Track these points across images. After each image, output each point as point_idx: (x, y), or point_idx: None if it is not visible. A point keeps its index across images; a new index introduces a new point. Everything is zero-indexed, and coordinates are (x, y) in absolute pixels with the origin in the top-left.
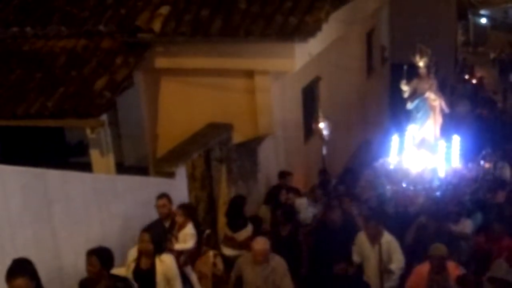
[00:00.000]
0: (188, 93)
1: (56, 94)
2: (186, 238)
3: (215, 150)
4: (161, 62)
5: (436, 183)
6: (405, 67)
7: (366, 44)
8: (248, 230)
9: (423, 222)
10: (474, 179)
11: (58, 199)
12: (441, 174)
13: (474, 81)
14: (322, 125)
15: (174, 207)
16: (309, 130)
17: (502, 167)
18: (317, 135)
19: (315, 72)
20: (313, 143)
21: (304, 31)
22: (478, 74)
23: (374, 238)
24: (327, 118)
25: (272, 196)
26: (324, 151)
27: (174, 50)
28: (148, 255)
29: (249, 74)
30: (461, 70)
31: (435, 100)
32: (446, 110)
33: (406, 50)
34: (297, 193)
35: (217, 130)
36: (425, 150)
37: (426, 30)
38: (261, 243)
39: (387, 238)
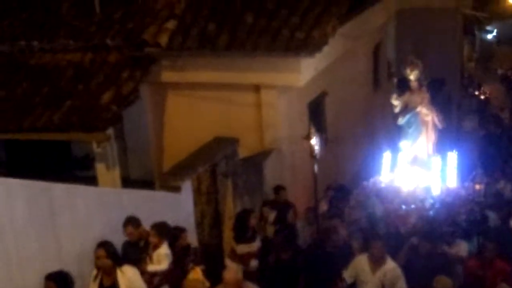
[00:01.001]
0: (194, 107)
1: (63, 107)
2: (160, 258)
3: (221, 165)
4: (167, 76)
5: (429, 202)
6: (395, 79)
7: (373, 59)
8: (253, 246)
9: (415, 244)
10: (470, 199)
11: (63, 212)
12: (435, 192)
13: (482, 97)
14: (313, 141)
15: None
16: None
17: (503, 187)
18: (309, 153)
19: (321, 87)
20: (320, 157)
21: (310, 46)
22: (486, 90)
23: (377, 262)
24: (318, 134)
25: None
26: (316, 169)
27: (181, 64)
28: (107, 271)
29: (256, 88)
30: (467, 85)
31: (427, 115)
32: (440, 125)
33: None
34: (284, 208)
35: (223, 144)
36: (418, 167)
37: (432, 45)
38: (232, 272)
39: (391, 265)
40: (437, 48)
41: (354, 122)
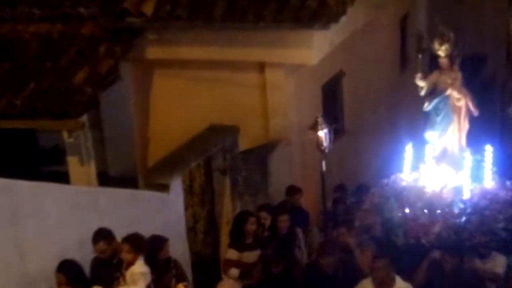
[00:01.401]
0: (185, 89)
1: (27, 89)
2: (135, 278)
3: (218, 159)
4: (153, 51)
5: (459, 206)
6: (419, 55)
7: (400, 32)
8: (256, 254)
9: (437, 258)
10: (511, 202)
11: (28, 215)
12: (466, 194)
13: None
14: (321, 133)
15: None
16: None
17: None
18: (316, 146)
19: (338, 65)
20: (335, 150)
21: (325, 16)
22: None
23: (383, 285)
24: (327, 125)
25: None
26: (324, 166)
27: (169, 38)
28: None
29: (259, 67)
30: None
31: (459, 99)
32: (475, 112)
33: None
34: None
35: (220, 134)
36: (446, 164)
37: (471, 16)
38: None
39: (402, 286)
40: (477, 19)
41: (377, 108)
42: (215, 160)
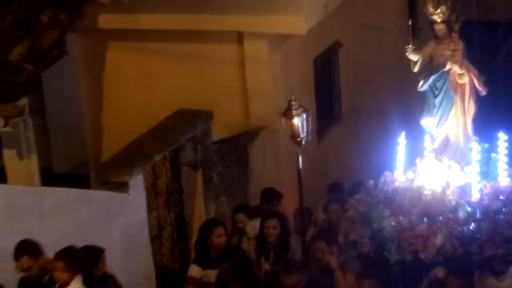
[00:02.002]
0: (147, 67)
1: None
2: None
3: (187, 151)
4: (107, 20)
5: (465, 211)
6: (410, 21)
7: None
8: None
9: (439, 277)
10: None
11: None
12: (475, 195)
13: None
14: (297, 120)
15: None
16: (325, 120)
17: None
18: (290, 136)
19: (333, 35)
20: (331, 140)
21: None
22: None
23: None
24: (303, 109)
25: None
26: (300, 163)
27: (127, 3)
28: None
29: (237, 38)
30: None
31: (462, 75)
32: (483, 91)
33: (470, 1)
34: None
35: (190, 121)
36: (448, 159)
37: None
38: None
39: None
40: None
41: (381, 87)
42: (183, 152)
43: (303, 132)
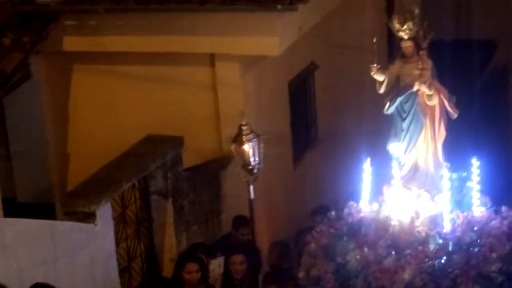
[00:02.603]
0: (115, 91)
1: None
2: None
3: (157, 178)
4: (72, 42)
5: (436, 242)
6: (375, 39)
7: (386, 11)
8: None
9: None
10: (508, 234)
11: None
12: (446, 226)
13: None
14: (247, 146)
15: None
16: (300, 144)
17: None
18: (241, 166)
19: (309, 56)
20: (307, 164)
21: None
22: None
23: None
24: (255, 134)
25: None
26: (252, 193)
27: (93, 25)
28: None
29: (208, 61)
30: None
31: (431, 96)
32: (454, 113)
33: (447, 19)
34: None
35: (160, 147)
36: (417, 187)
37: None
38: None
39: None
40: None
41: (360, 109)
42: (153, 180)
43: (254, 159)
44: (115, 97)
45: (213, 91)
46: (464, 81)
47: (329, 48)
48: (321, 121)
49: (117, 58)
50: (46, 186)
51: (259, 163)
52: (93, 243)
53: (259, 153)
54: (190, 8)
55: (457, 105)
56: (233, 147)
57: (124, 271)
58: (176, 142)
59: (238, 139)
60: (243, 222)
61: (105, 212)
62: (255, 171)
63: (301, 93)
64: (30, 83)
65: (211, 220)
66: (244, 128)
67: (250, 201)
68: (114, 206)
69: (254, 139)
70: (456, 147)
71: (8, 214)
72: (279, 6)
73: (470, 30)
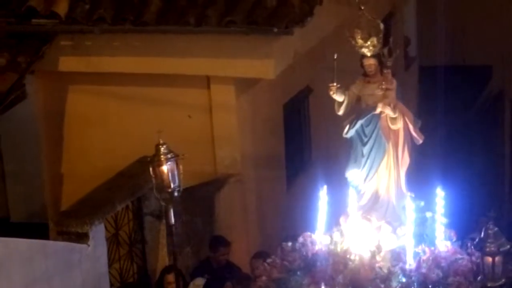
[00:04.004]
0: (110, 111)
1: None
2: None
3: (150, 200)
4: (68, 63)
5: (399, 280)
6: (335, 55)
7: (382, 36)
8: None
9: None
10: (475, 271)
11: None
12: (410, 262)
13: None
14: (166, 168)
15: None
16: (294, 167)
17: None
18: (155, 189)
19: (304, 80)
20: (300, 187)
21: (287, 17)
22: None
23: None
24: (173, 154)
25: None
26: (172, 219)
27: (89, 45)
28: None
29: (203, 82)
30: None
31: (396, 119)
32: (419, 139)
33: (444, 45)
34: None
35: None
36: (378, 218)
37: (472, 16)
38: None
39: None
40: (478, 19)
41: None
42: (147, 201)
43: (174, 182)
44: (110, 117)
45: (208, 113)
46: (460, 106)
47: (324, 72)
48: (315, 144)
49: (113, 79)
50: (39, 206)
51: (178, 186)
52: (85, 263)
53: (179, 175)
54: (186, 30)
55: (454, 129)
56: (150, 169)
57: None
58: None
59: (155, 160)
60: (222, 242)
61: (98, 233)
62: (175, 194)
63: (295, 116)
64: (24, 102)
65: (204, 242)
66: (161, 148)
67: (170, 227)
68: (107, 227)
69: (173, 160)
70: (421, 176)
71: (1, 233)
72: (275, 29)
73: (466, 55)
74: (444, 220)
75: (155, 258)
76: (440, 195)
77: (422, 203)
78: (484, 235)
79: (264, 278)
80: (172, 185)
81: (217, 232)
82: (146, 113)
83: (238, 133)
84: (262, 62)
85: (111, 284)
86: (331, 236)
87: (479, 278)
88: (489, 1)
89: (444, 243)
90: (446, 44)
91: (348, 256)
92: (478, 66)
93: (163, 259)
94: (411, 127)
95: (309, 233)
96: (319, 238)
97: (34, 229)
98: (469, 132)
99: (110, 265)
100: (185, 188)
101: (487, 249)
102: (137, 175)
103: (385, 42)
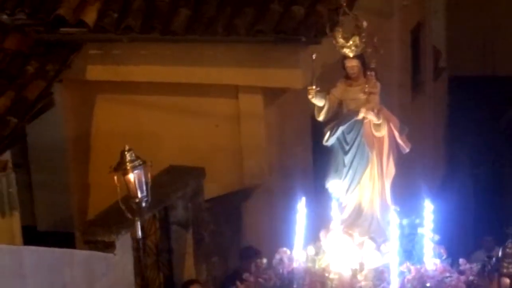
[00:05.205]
0: (136, 120)
1: None
2: None
3: (178, 209)
4: (95, 71)
5: None
6: (313, 55)
7: (411, 48)
8: None
9: None
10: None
11: None
12: (394, 281)
13: None
14: (132, 176)
15: None
16: (322, 177)
17: None
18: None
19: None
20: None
21: (315, 27)
22: None
23: None
24: (141, 161)
25: None
26: (139, 232)
27: (116, 54)
28: None
29: (231, 92)
30: None
31: (380, 126)
32: (406, 147)
33: (473, 56)
34: None
35: (181, 178)
36: (360, 234)
37: (501, 26)
38: None
39: None
40: (505, 32)
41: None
42: (174, 211)
43: (141, 191)
44: (137, 126)
45: (236, 123)
46: (489, 117)
47: None
48: None
49: (140, 88)
50: (66, 215)
51: (146, 196)
52: (111, 272)
53: (147, 183)
54: (214, 39)
55: (469, 141)
56: (115, 177)
57: None
58: (198, 173)
59: (121, 168)
60: (253, 253)
61: (124, 242)
62: (143, 204)
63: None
64: (52, 111)
65: (232, 251)
66: (127, 154)
67: (137, 241)
68: (134, 236)
69: (140, 167)
70: (407, 188)
71: (28, 242)
72: (303, 39)
73: (495, 66)
74: (433, 236)
75: (181, 267)
76: (428, 208)
77: (411, 219)
78: (502, 254)
79: None
80: (139, 195)
81: (244, 241)
82: (174, 122)
83: (266, 143)
84: (290, 72)
85: None
86: (308, 253)
87: None
88: None
89: (432, 260)
90: (475, 54)
91: (327, 274)
92: (507, 77)
93: (189, 268)
94: (396, 134)
95: (285, 249)
96: (296, 255)
97: (60, 238)
98: (498, 141)
99: (136, 274)
100: (213, 197)
101: (505, 270)
102: (164, 185)
103: (368, 41)
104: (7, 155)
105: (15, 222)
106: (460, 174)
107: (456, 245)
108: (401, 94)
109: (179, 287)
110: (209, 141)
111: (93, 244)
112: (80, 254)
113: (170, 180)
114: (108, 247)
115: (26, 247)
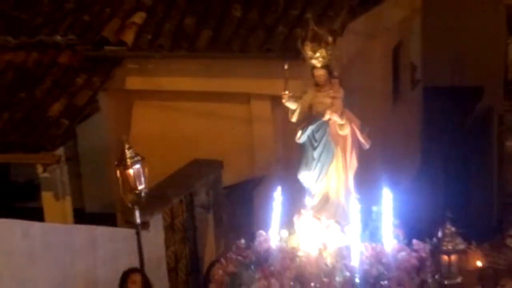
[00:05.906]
0: (167, 122)
1: (0, 121)
2: None
3: (201, 194)
4: (133, 82)
5: (342, 275)
6: (286, 65)
7: (392, 62)
8: None
9: None
10: (417, 268)
11: None
12: (354, 258)
13: None
14: (132, 170)
15: None
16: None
17: None
18: (122, 192)
19: None
20: None
21: None
22: None
23: None
24: (140, 157)
25: None
26: (138, 218)
27: (150, 68)
28: None
29: (245, 98)
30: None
31: (343, 126)
32: (366, 144)
33: (444, 69)
34: None
35: (204, 169)
36: (326, 218)
37: (468, 45)
38: None
39: None
40: (473, 50)
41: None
42: (197, 196)
43: (140, 184)
44: (167, 127)
45: (249, 124)
46: (457, 120)
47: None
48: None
49: (170, 96)
50: (109, 199)
51: (145, 187)
52: (146, 247)
53: (144, 177)
54: (231, 55)
55: (441, 139)
56: (117, 172)
57: (172, 271)
58: (217, 165)
59: (122, 163)
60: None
61: (157, 222)
62: (142, 195)
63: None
64: (97, 115)
65: (245, 229)
66: (127, 151)
67: (137, 226)
68: (164, 216)
69: (139, 163)
70: (368, 178)
71: (77, 222)
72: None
73: (462, 77)
74: (392, 220)
75: (204, 242)
76: (387, 195)
77: (379, 206)
78: (441, 234)
79: (220, 272)
80: (139, 187)
81: (255, 221)
82: (198, 124)
83: (273, 141)
84: (293, 83)
85: (168, 264)
86: (281, 234)
87: (436, 276)
88: (483, 32)
89: (390, 241)
90: (446, 68)
91: (296, 252)
92: (472, 87)
93: (210, 243)
94: (358, 133)
95: (262, 231)
96: (272, 236)
97: (105, 218)
98: (465, 141)
99: (166, 248)
100: (229, 185)
101: (444, 248)
102: (189, 174)
103: (333, 53)
104: (60, 151)
105: (67, 205)
106: (432, 166)
107: (425, 229)
108: (383, 101)
109: (202, 259)
110: (227, 139)
111: (131, 223)
112: (120, 232)
113: (194, 171)
114: (144, 226)
115: (76, 225)
